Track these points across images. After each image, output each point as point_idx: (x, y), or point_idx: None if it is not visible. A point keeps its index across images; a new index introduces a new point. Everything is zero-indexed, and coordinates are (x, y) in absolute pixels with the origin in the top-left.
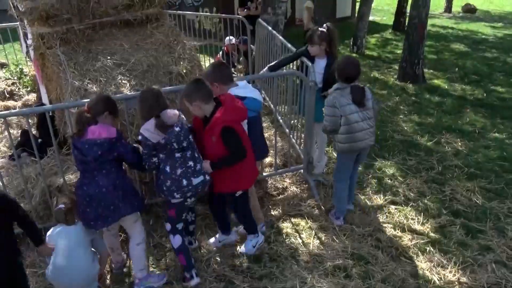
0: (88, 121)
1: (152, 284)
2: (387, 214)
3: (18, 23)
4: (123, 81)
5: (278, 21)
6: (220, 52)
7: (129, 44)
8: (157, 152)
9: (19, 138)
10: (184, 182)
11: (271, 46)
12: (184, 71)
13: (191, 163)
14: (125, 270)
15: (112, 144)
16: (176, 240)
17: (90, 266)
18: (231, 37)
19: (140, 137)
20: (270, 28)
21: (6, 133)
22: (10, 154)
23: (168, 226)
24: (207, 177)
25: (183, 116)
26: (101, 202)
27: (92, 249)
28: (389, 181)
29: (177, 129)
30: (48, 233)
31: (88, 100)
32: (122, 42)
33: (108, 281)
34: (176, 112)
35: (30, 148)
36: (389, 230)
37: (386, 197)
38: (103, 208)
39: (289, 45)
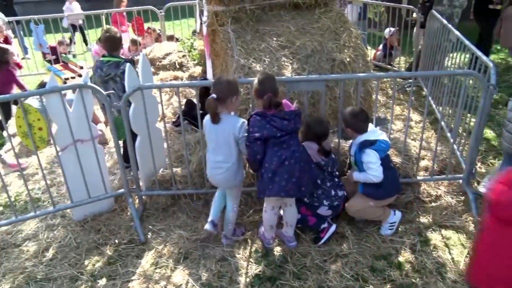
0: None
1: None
2: None
3: (196, 1)
4: (286, 63)
5: (454, 13)
6: (381, 45)
7: (295, 27)
8: None
9: (183, 107)
10: (332, 192)
11: (441, 41)
12: (348, 59)
13: (336, 179)
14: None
15: (300, 118)
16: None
17: (237, 164)
18: (391, 28)
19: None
20: (445, 21)
21: (172, 100)
22: (174, 120)
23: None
24: (345, 193)
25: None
26: (299, 172)
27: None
28: None
29: (333, 156)
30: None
31: (256, 78)
32: (289, 24)
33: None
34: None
35: (191, 118)
36: None
37: None
38: (297, 178)
39: (467, 42)
